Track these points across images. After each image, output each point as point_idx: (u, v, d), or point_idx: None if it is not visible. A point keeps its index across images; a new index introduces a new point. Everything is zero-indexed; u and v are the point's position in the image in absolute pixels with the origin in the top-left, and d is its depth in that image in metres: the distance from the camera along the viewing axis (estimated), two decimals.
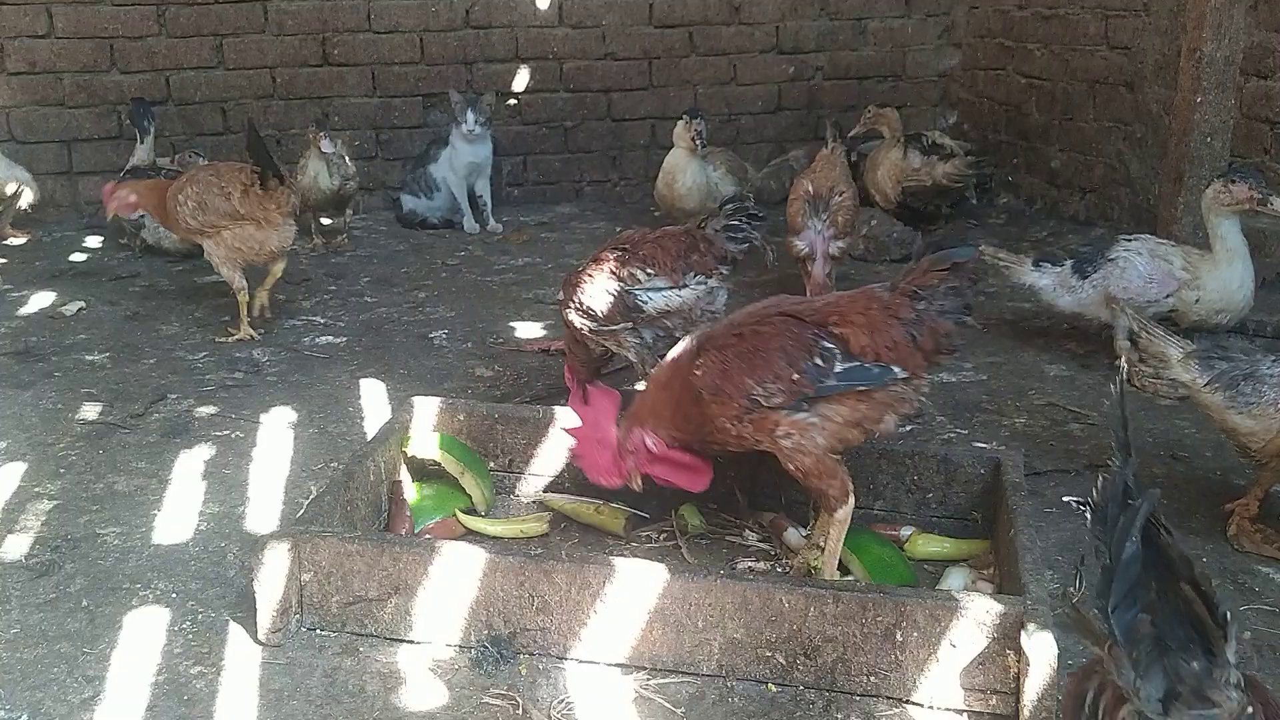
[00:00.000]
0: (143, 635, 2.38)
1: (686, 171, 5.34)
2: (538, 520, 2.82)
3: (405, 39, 6.16)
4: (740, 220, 3.24)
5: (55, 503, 2.93)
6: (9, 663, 2.28)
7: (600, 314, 3.16)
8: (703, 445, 2.56)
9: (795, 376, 2.38)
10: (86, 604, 2.49)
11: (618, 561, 2.27)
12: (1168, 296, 3.67)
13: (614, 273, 3.19)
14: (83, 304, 4.58)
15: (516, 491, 3.01)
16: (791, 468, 2.44)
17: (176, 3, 5.78)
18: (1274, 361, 2.67)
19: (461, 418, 2.98)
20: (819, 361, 2.38)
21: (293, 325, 4.43)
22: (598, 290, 3.16)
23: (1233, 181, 3.51)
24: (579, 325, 3.22)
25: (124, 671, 2.25)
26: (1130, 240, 3.83)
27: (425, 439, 2.87)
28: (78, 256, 5.39)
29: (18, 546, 2.72)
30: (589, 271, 3.23)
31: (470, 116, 5.65)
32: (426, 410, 2.98)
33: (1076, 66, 5.83)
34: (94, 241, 5.62)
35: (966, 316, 2.42)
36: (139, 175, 5.31)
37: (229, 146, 6.06)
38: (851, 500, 2.45)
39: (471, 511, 2.85)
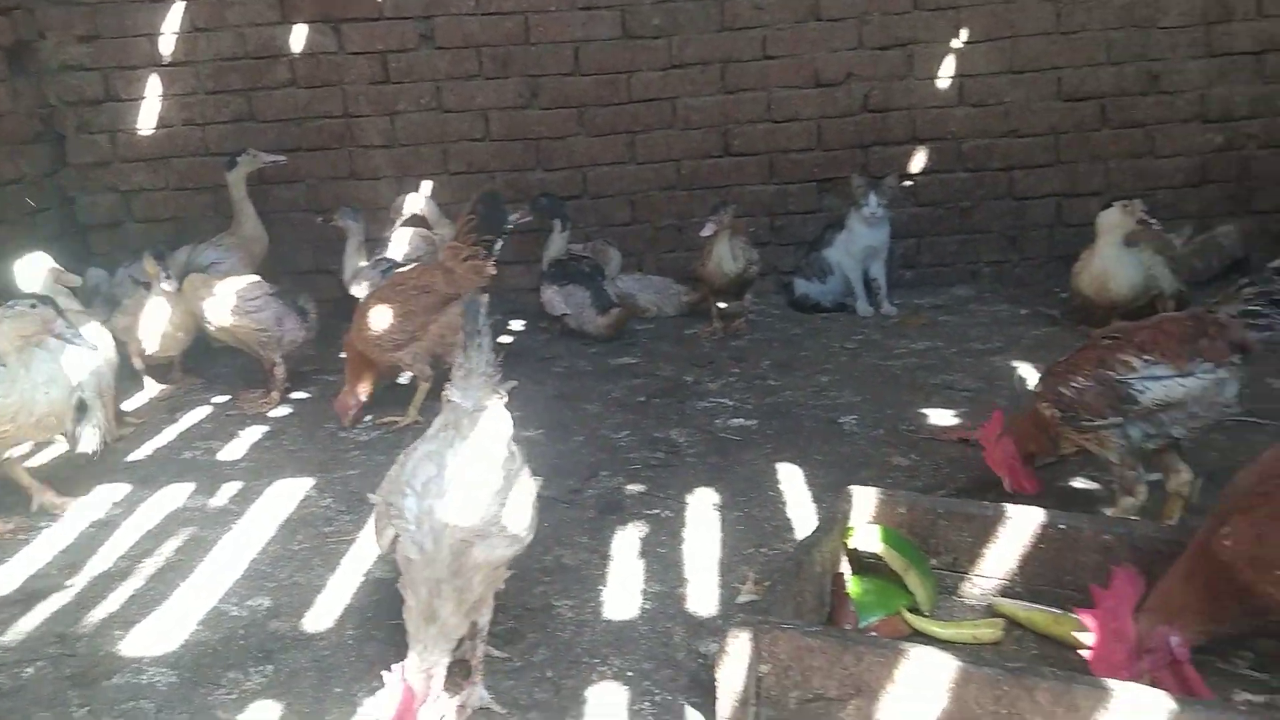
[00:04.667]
0: (606, 713, 2.44)
1: (1120, 276, 4.91)
2: (991, 626, 2.64)
3: (803, 127, 6.25)
4: (1263, 305, 2.89)
5: (512, 572, 3.09)
6: None
7: (1083, 407, 2.94)
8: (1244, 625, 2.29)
9: None
10: (551, 675, 2.60)
11: (1113, 685, 2.05)
12: None
13: (1101, 360, 2.98)
14: (515, 383, 4.91)
15: (960, 593, 2.84)
16: None
17: (595, 105, 6.21)
18: None
19: (903, 510, 2.87)
20: None
21: (704, 407, 4.53)
22: (1082, 381, 2.97)
23: None
24: (1055, 420, 3.02)
25: None
26: None
27: (868, 531, 2.78)
28: (504, 339, 5.84)
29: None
30: (1073, 360, 3.05)
31: (872, 199, 5.62)
32: (865, 500, 2.90)
33: None
34: (517, 325, 6.08)
35: None
36: (561, 266, 5.73)
37: (634, 235, 6.39)
38: None
39: (915, 610, 2.72)
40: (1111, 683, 2.06)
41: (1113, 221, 4.87)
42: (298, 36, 6.07)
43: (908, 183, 6.27)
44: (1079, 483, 3.51)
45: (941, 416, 4.26)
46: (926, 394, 4.55)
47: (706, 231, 5.41)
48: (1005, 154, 6.24)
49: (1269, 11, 5.99)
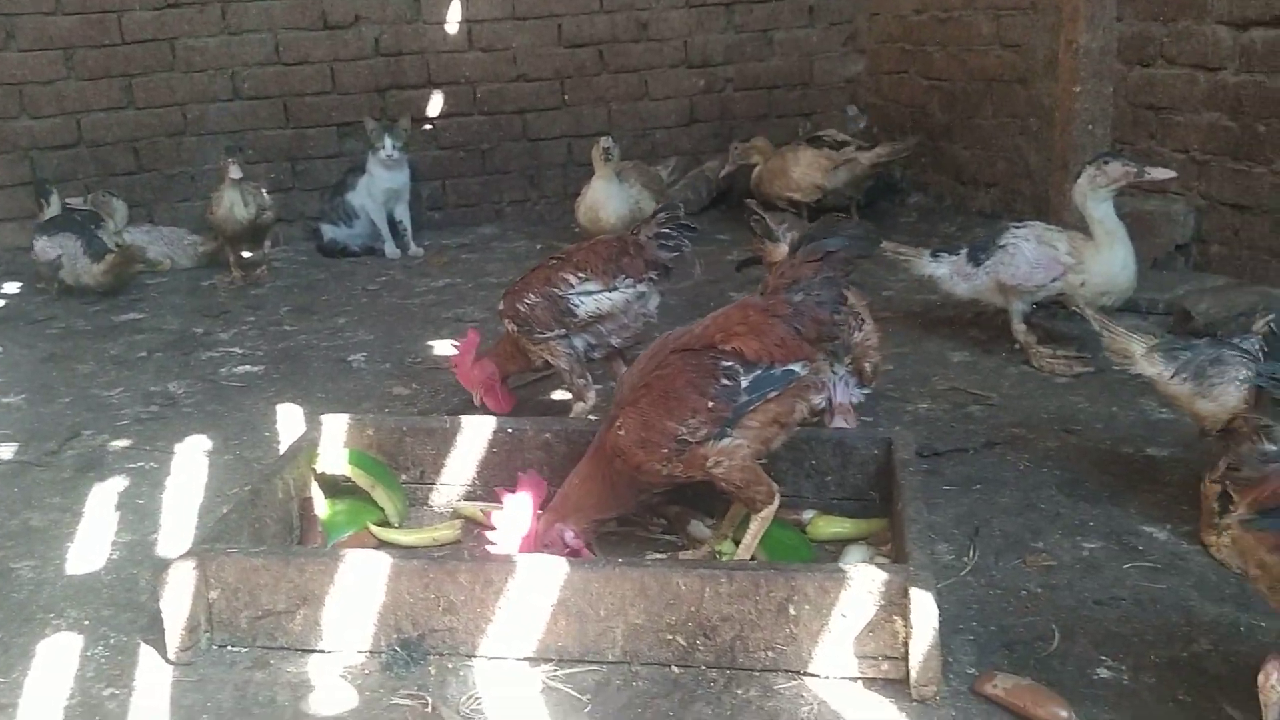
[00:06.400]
0: (55, 662, 2.39)
1: (609, 206, 5.41)
2: (449, 527, 2.87)
3: (315, 70, 6.20)
4: (671, 228, 3.30)
5: None
6: None
7: (535, 321, 3.24)
8: (632, 505, 2.64)
9: (710, 405, 2.43)
10: (1, 636, 2.50)
11: (519, 557, 2.33)
12: (1054, 281, 3.80)
13: (548, 279, 3.29)
14: None
15: (430, 502, 3.06)
16: (723, 486, 2.50)
17: (84, 46, 5.77)
18: (1239, 340, 2.69)
19: (370, 432, 3.03)
20: (725, 382, 2.45)
21: (210, 357, 4.44)
22: (533, 297, 3.27)
23: (1106, 162, 3.66)
24: (516, 334, 3.30)
25: (37, 697, 2.27)
26: (1019, 227, 3.97)
27: (334, 455, 2.91)
28: None
29: None
30: (526, 279, 3.34)
31: (388, 142, 5.70)
32: (335, 427, 3.02)
33: (973, 66, 6.02)
34: (11, 287, 5.58)
35: (842, 305, 2.52)
36: (52, 220, 5.33)
37: (143, 185, 6.05)
38: (777, 500, 2.51)
39: (385, 524, 2.89)
40: (518, 556, 2.34)
41: (595, 156, 5.36)
42: None
43: (427, 126, 6.43)
44: (557, 395, 3.86)
45: (447, 347, 4.48)
46: (437, 327, 4.75)
47: (235, 174, 5.28)
48: (517, 98, 6.57)
49: None
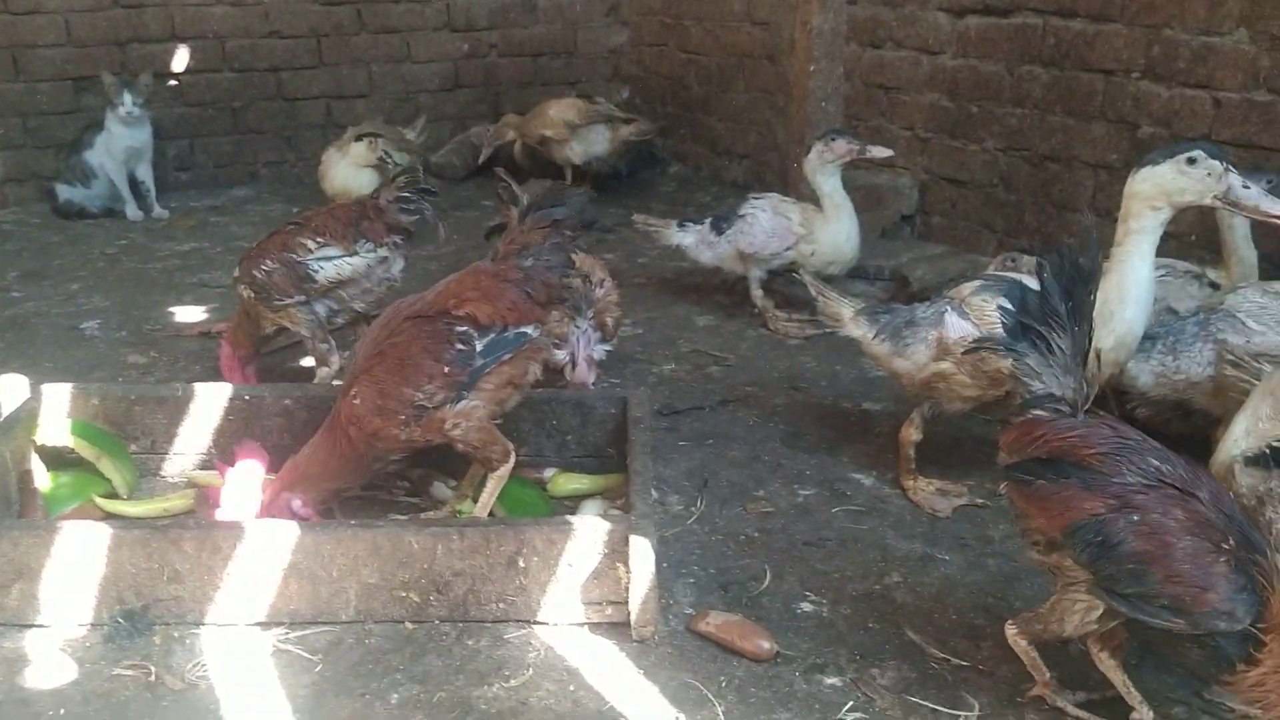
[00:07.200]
0: None
1: (366, 190, 5.29)
2: (182, 497, 2.81)
3: (48, 20, 5.78)
4: (411, 192, 3.30)
5: None
6: None
7: (273, 287, 3.18)
8: (369, 473, 2.64)
9: (446, 370, 2.47)
10: None
11: (247, 523, 2.33)
12: (788, 249, 4.04)
13: (285, 245, 3.23)
14: None
15: (162, 472, 2.98)
16: (461, 448, 2.54)
17: None
18: (927, 306, 2.91)
19: (96, 402, 2.92)
20: (460, 346, 2.49)
21: None
22: (270, 263, 3.21)
23: (832, 139, 3.91)
24: (253, 302, 3.23)
25: None
26: (758, 199, 4.19)
27: (56, 426, 2.79)
28: None
29: None
30: (263, 244, 3.27)
31: (127, 98, 5.40)
32: (57, 397, 2.89)
33: (727, 42, 6.25)
34: None
35: (570, 269, 2.62)
36: None
37: None
38: (512, 459, 2.58)
39: (113, 495, 2.80)
40: (246, 522, 2.34)
41: (360, 152, 5.20)
42: None
43: (171, 82, 6.12)
44: (306, 361, 3.81)
45: (191, 313, 4.33)
46: (180, 293, 4.58)
47: None
48: (270, 55, 6.34)
49: None
